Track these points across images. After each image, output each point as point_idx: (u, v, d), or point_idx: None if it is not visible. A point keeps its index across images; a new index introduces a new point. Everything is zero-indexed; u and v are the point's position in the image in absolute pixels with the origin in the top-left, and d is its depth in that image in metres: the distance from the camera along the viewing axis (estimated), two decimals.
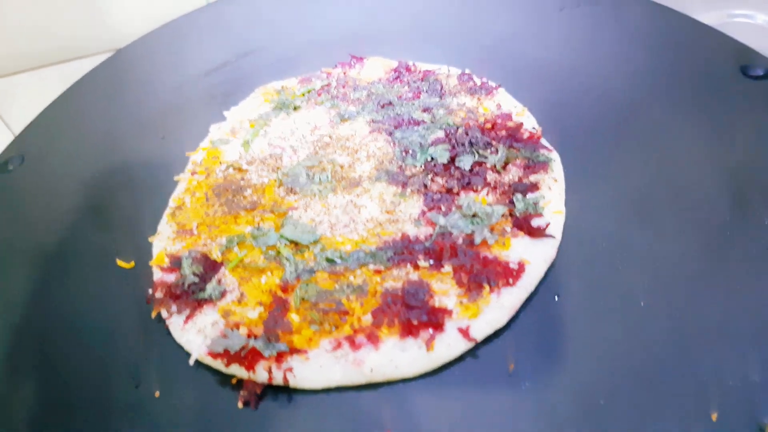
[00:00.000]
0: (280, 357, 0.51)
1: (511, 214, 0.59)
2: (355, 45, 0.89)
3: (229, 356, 0.51)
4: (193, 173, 0.71)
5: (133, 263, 0.64)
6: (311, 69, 0.87)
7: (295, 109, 0.78)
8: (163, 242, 0.64)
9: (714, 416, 0.44)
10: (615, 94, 0.73)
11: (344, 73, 0.84)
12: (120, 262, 0.64)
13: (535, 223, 0.59)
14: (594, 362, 0.49)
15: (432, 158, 0.66)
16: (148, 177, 0.75)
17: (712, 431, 0.44)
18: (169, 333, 0.57)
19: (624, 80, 0.75)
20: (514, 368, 0.49)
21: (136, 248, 0.66)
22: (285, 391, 0.51)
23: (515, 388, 0.48)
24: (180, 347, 0.55)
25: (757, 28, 0.96)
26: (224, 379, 0.52)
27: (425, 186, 0.63)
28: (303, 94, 0.80)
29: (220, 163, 0.71)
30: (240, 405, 0.50)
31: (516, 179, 0.63)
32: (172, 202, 0.69)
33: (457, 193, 0.62)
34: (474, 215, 0.59)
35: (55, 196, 0.75)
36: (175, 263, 0.61)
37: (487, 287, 0.53)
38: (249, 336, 0.52)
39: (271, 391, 0.51)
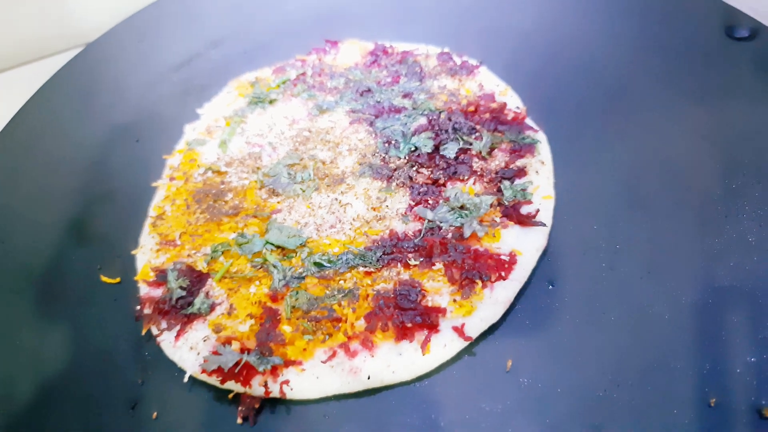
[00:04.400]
0: (275, 370, 0.50)
1: (499, 203, 0.58)
2: (328, 27, 0.86)
3: (223, 373, 0.50)
4: (172, 179, 0.69)
5: (119, 279, 0.62)
6: (285, 56, 0.84)
7: (271, 102, 0.75)
8: (147, 255, 0.62)
9: (712, 401, 0.44)
10: (600, 67, 0.71)
11: (319, 60, 0.81)
12: (105, 278, 0.63)
13: (525, 210, 0.57)
14: (591, 353, 0.49)
15: (416, 148, 0.64)
16: (126, 185, 0.73)
17: (711, 416, 0.44)
18: (160, 349, 0.56)
19: (609, 51, 0.73)
20: (512, 365, 0.49)
21: (120, 262, 0.64)
22: (283, 403, 0.50)
23: (514, 385, 0.48)
24: (173, 364, 0.55)
25: None
26: (221, 394, 0.52)
27: (411, 178, 0.62)
28: (278, 86, 0.77)
29: (198, 166, 0.69)
30: (239, 421, 0.50)
31: (503, 165, 0.62)
32: (152, 211, 0.67)
33: (444, 184, 0.61)
34: (462, 207, 0.58)
35: (30, 211, 0.73)
36: (161, 277, 0.59)
37: (479, 282, 0.52)
38: (242, 351, 0.51)
39: (269, 403, 0.51)
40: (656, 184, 0.59)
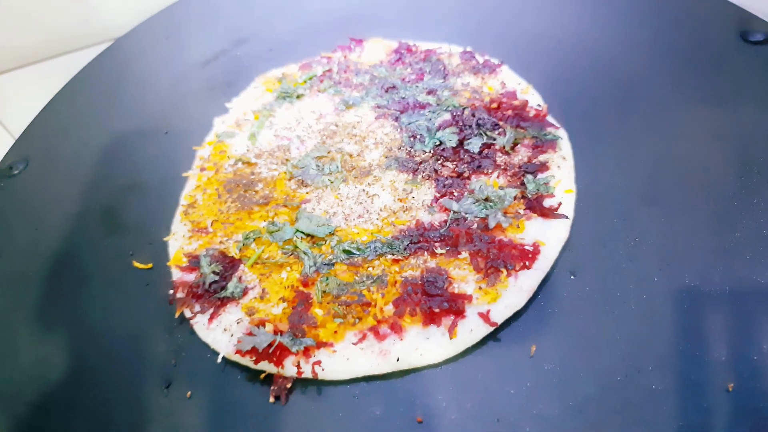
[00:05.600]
0: (307, 351, 0.52)
1: (523, 196, 0.60)
2: (352, 27, 0.88)
3: (257, 354, 0.52)
4: (202, 169, 0.71)
5: (150, 264, 0.64)
6: (310, 54, 0.86)
7: (298, 97, 0.78)
8: (179, 242, 0.65)
9: (730, 387, 0.46)
10: (618, 67, 0.73)
11: (345, 57, 0.83)
12: (137, 264, 0.65)
13: (547, 203, 0.59)
14: (612, 339, 0.50)
15: (440, 142, 0.66)
16: (156, 175, 0.75)
17: (729, 401, 0.45)
18: (193, 332, 0.58)
19: (626, 52, 0.75)
20: (536, 350, 0.51)
21: (152, 249, 0.66)
22: (314, 384, 0.52)
23: (538, 370, 0.50)
24: (205, 346, 0.57)
25: None
26: (253, 374, 0.54)
27: (436, 171, 0.64)
28: (305, 82, 0.79)
29: (228, 157, 0.71)
30: (271, 400, 0.52)
31: (525, 159, 0.64)
32: (183, 200, 0.69)
33: (468, 177, 0.63)
34: (486, 199, 0.60)
35: (64, 200, 0.75)
36: (194, 262, 0.61)
37: (504, 271, 0.54)
38: (275, 332, 0.53)
39: (300, 384, 0.53)
40: (672, 180, 0.61)
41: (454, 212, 0.59)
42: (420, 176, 0.64)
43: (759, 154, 0.61)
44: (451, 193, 0.62)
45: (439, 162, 0.65)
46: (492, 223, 0.58)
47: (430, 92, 0.73)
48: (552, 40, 0.79)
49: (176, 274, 0.62)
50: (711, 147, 0.63)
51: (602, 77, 0.73)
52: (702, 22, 0.76)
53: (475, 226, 0.58)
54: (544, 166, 0.62)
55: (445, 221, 0.59)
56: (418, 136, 0.68)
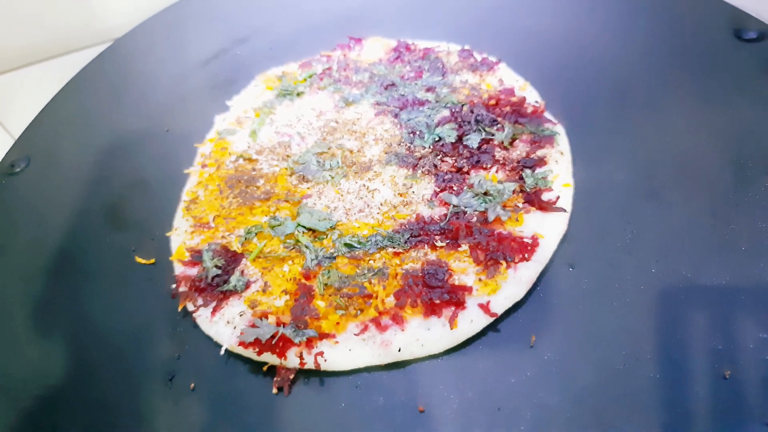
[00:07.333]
0: (309, 342, 0.53)
1: (521, 190, 0.61)
2: (350, 26, 0.89)
3: (260, 345, 0.53)
4: (204, 165, 0.72)
5: (153, 260, 0.65)
6: (309, 53, 0.87)
7: (298, 95, 0.78)
8: (181, 237, 0.65)
9: (727, 374, 0.47)
10: (613, 64, 0.74)
11: (344, 56, 0.84)
12: (140, 259, 0.65)
13: (546, 197, 0.60)
14: (610, 329, 0.51)
15: (440, 138, 0.67)
16: (157, 171, 0.76)
17: (726, 388, 0.46)
18: (196, 326, 0.58)
19: (621, 50, 0.76)
20: (535, 340, 0.51)
21: (154, 244, 0.67)
22: (316, 375, 0.53)
23: (538, 359, 0.50)
24: (208, 339, 0.57)
25: None
26: (256, 366, 0.54)
27: (435, 166, 0.65)
28: (305, 80, 0.80)
29: (230, 154, 0.72)
30: (274, 391, 0.52)
31: (524, 155, 0.64)
32: (185, 196, 0.70)
33: (467, 172, 0.64)
34: (486, 193, 0.60)
35: (66, 197, 0.76)
36: (196, 257, 0.62)
37: (503, 263, 0.55)
38: (278, 324, 0.54)
39: (303, 375, 0.53)
40: (668, 175, 0.61)
41: (454, 206, 0.60)
42: (420, 171, 0.65)
43: (753, 148, 0.62)
44: (451, 187, 0.62)
45: (439, 157, 0.65)
46: (491, 217, 0.58)
47: (429, 89, 0.74)
48: (549, 38, 0.80)
49: (179, 269, 0.63)
50: (706, 142, 0.64)
51: (598, 74, 0.74)
52: (696, 20, 0.77)
53: (474, 219, 0.59)
54: (542, 161, 0.63)
55: (445, 215, 0.60)
56: (418, 132, 0.68)
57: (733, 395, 0.46)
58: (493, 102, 0.70)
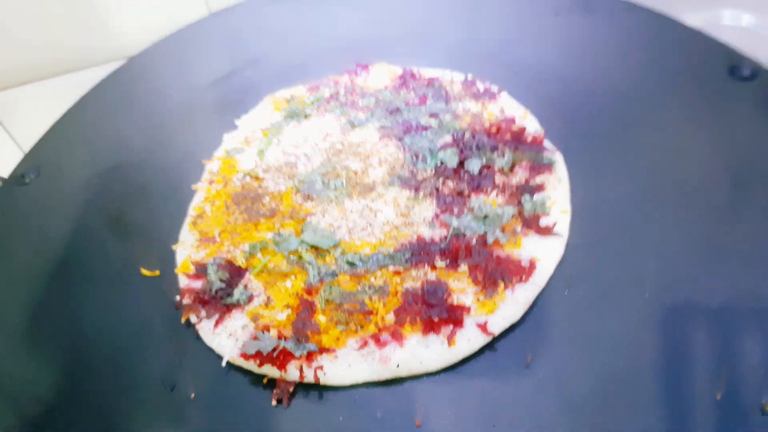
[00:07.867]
0: (310, 356, 0.54)
1: (520, 214, 0.63)
2: (358, 52, 0.92)
3: (261, 357, 0.54)
4: (211, 182, 0.74)
5: (158, 272, 0.66)
6: (318, 77, 0.90)
7: (306, 117, 0.81)
8: (187, 250, 0.67)
9: (718, 396, 0.48)
10: (610, 96, 0.77)
11: (351, 81, 0.86)
12: (145, 271, 0.67)
13: (543, 222, 0.62)
14: (606, 350, 0.52)
15: (442, 162, 0.69)
16: (165, 187, 0.78)
17: (717, 410, 0.47)
18: (198, 337, 0.59)
19: (618, 83, 0.78)
20: (531, 359, 0.53)
21: (159, 257, 0.68)
22: (315, 388, 0.54)
23: (533, 377, 0.51)
24: (210, 350, 0.58)
25: (742, 30, 1.01)
26: (256, 378, 0.55)
27: (437, 189, 0.66)
28: (312, 103, 0.83)
29: (237, 171, 0.74)
30: (273, 403, 0.53)
31: (523, 181, 0.66)
32: (192, 211, 0.71)
33: (468, 196, 0.65)
34: (485, 216, 0.62)
35: (74, 208, 0.77)
36: (201, 270, 0.63)
37: (501, 284, 0.57)
38: (279, 337, 0.55)
39: (302, 388, 0.54)
40: (664, 200, 0.63)
41: (454, 228, 0.62)
42: (422, 193, 0.66)
43: (750, 172, 0.63)
44: (452, 209, 0.64)
45: (440, 181, 0.67)
46: (490, 239, 0.60)
47: (432, 115, 0.76)
48: (548, 70, 0.83)
49: (183, 281, 0.64)
50: (701, 167, 0.65)
51: (596, 106, 0.76)
52: (692, 57, 0.79)
53: (474, 241, 0.61)
54: (540, 187, 0.65)
55: (446, 236, 0.62)
56: (421, 156, 0.70)
57: (732, 411, 0.47)
58: (494, 129, 0.72)
